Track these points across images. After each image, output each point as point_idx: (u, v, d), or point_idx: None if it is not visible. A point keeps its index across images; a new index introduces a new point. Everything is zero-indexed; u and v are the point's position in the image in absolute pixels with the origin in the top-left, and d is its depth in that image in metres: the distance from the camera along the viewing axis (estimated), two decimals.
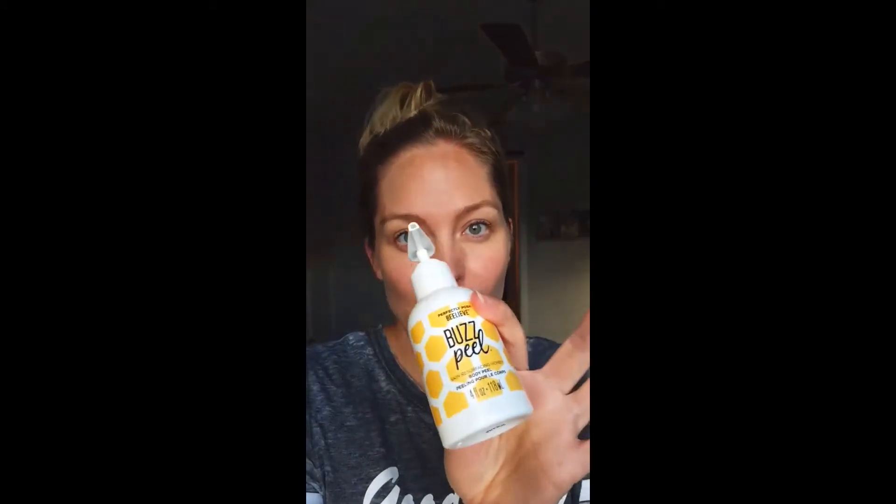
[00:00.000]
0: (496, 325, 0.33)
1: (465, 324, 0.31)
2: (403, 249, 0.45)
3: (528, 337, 0.62)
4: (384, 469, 0.50)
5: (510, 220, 0.52)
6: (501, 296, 0.48)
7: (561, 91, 1.94)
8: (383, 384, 0.53)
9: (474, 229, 0.46)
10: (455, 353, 0.31)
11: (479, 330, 0.31)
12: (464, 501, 0.36)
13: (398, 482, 0.49)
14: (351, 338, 0.57)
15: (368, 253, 0.53)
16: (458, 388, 0.30)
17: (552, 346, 0.61)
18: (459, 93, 1.81)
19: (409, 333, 0.33)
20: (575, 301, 3.29)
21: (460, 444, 0.31)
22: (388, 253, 0.47)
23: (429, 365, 0.31)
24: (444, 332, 0.31)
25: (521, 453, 0.34)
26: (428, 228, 0.45)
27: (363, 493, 0.48)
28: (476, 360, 0.30)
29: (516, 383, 0.31)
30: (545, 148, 3.25)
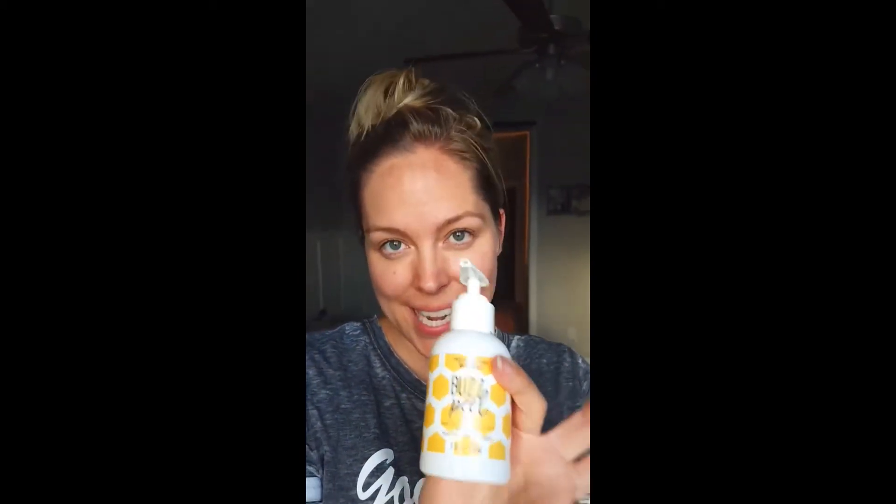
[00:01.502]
0: (511, 394, 0.33)
1: (473, 379, 0.32)
2: (388, 257, 0.46)
3: (520, 335, 0.61)
4: (379, 450, 0.50)
5: (502, 210, 0.51)
6: (494, 290, 0.48)
7: (577, 58, 1.86)
8: (379, 370, 0.54)
9: (458, 236, 0.45)
10: (453, 403, 0.32)
11: (486, 391, 0.32)
12: None
13: (392, 463, 0.50)
14: (347, 328, 0.58)
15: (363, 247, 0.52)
16: (444, 433, 0.31)
17: (542, 342, 0.61)
18: (471, 59, 1.74)
19: (429, 360, 0.34)
20: (583, 276, 3.25)
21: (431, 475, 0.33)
22: (373, 258, 0.47)
23: (430, 398, 0.33)
24: (452, 377, 0.32)
25: None
26: (410, 240, 0.45)
27: (357, 473, 0.49)
28: (468, 419, 0.31)
29: (499, 453, 0.32)
30: (559, 118, 3.16)
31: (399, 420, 0.52)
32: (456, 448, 0.31)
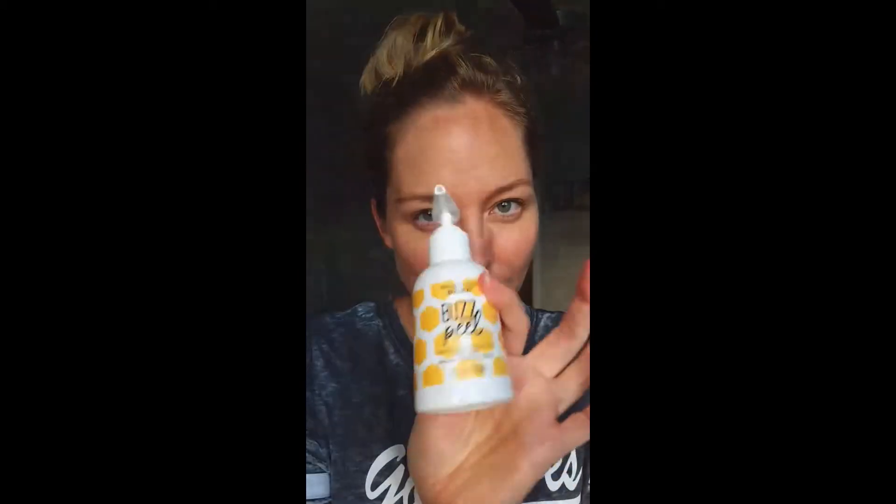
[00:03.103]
0: (498, 310, 0.31)
1: (464, 301, 0.30)
2: (423, 229, 0.39)
3: (549, 312, 0.57)
4: (389, 447, 0.47)
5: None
6: (525, 274, 0.43)
7: (582, 53, 1.85)
8: (392, 357, 0.50)
9: (504, 206, 0.40)
10: (446, 329, 0.30)
11: (478, 310, 0.30)
12: (420, 487, 0.33)
13: (402, 461, 0.46)
14: (360, 309, 0.53)
15: (376, 217, 0.47)
16: (441, 363, 0.30)
17: None
18: None
19: (412, 297, 0.32)
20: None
21: (430, 413, 0.31)
22: (403, 230, 0.41)
23: (420, 333, 0.31)
24: (442, 305, 0.30)
25: (500, 436, 0.33)
26: None
27: (367, 471, 0.46)
28: (465, 340, 0.30)
29: (502, 369, 0.30)
30: (562, 114, 3.15)
31: (412, 412, 0.50)
32: (458, 373, 0.29)
